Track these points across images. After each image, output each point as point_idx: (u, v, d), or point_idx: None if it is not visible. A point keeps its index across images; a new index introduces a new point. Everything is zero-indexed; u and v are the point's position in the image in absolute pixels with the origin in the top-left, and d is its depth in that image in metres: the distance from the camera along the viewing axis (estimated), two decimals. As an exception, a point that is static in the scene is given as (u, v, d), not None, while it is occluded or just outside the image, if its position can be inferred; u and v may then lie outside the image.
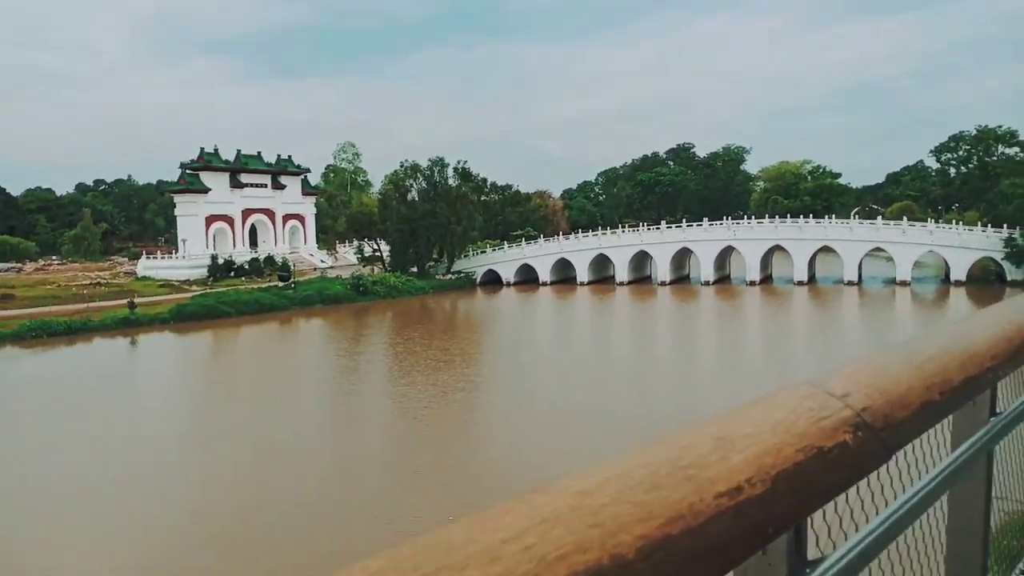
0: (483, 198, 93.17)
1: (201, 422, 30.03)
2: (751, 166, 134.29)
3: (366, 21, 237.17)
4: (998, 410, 2.08)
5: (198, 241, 80.00)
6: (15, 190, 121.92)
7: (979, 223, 73.31)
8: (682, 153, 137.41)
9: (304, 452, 24.59)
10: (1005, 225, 67.80)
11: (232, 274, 75.76)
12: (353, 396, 34.22)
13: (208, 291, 67.40)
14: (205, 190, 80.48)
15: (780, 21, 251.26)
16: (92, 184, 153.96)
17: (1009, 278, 65.90)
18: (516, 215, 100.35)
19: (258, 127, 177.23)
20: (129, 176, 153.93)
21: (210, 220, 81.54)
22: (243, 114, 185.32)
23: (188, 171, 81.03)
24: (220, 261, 75.77)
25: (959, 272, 68.31)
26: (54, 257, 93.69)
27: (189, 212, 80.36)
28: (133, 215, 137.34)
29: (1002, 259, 66.41)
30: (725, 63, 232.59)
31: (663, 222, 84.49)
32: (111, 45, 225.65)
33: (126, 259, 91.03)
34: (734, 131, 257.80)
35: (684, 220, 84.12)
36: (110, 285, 72.13)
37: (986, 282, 68.23)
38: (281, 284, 70.67)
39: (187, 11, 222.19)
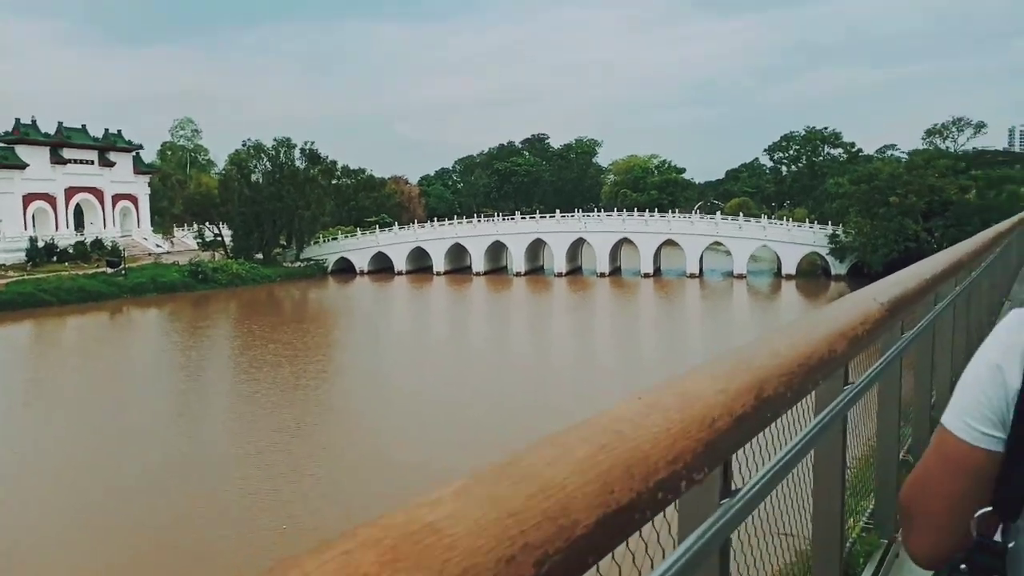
0: (335, 182, 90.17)
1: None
2: (603, 159, 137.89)
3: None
4: (732, 488, 1.58)
5: (15, 222, 72.48)
6: None
7: (807, 220, 78.46)
8: (537, 144, 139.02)
9: (112, 460, 22.42)
10: (830, 222, 72.83)
11: (55, 259, 69.30)
12: (182, 396, 31.79)
13: (26, 277, 61.30)
14: (22, 165, 72.96)
15: (630, 16, 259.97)
16: None
17: (834, 272, 70.83)
18: (370, 201, 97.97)
19: (89, 98, 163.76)
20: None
21: (28, 199, 74.10)
22: (72, 84, 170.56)
23: (1, 144, 73.22)
24: (40, 244, 69.09)
25: (789, 266, 72.78)
26: None
27: (4, 190, 72.50)
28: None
29: (827, 254, 71.27)
30: (578, 54, 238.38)
31: (517, 213, 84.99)
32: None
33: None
34: (587, 123, 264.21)
35: (538, 211, 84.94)
36: (-94, 270, 64.34)
37: (814, 276, 73.11)
38: (110, 271, 65.38)
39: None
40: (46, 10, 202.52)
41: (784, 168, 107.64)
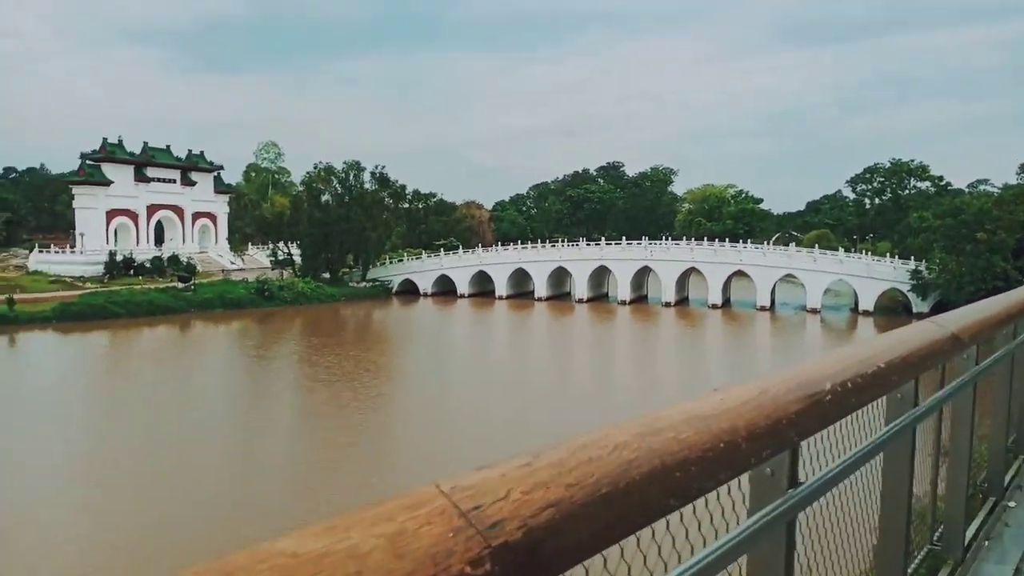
0: (406, 206, 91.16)
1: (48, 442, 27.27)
2: (678, 187, 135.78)
3: (302, 19, 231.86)
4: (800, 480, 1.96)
5: (98, 236, 75.80)
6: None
7: (888, 254, 74.67)
8: (612, 171, 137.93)
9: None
10: (912, 257, 69.00)
11: (132, 272, 71.89)
12: (223, 409, 31.86)
13: (99, 289, 63.62)
14: (106, 182, 76.38)
15: (708, 46, 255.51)
16: (2, 172, 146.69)
17: (915, 310, 66.88)
18: (440, 224, 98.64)
19: (183, 121, 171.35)
20: (42, 165, 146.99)
21: (111, 214, 77.45)
22: (168, 107, 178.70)
23: (89, 162, 76.82)
24: (118, 258, 71.81)
25: (867, 302, 69.15)
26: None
27: (88, 205, 76.11)
28: (44, 206, 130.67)
29: (908, 291, 67.43)
30: (654, 84, 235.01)
31: (582, 239, 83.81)
32: (33, 28, 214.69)
33: (28, 251, 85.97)
34: (663, 152, 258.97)
35: (603, 239, 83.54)
36: (-5, 279, 67.76)
37: (894, 313, 69.23)
38: (180, 286, 67.28)
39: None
40: (151, 39, 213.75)
41: (867, 201, 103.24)
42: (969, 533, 4.41)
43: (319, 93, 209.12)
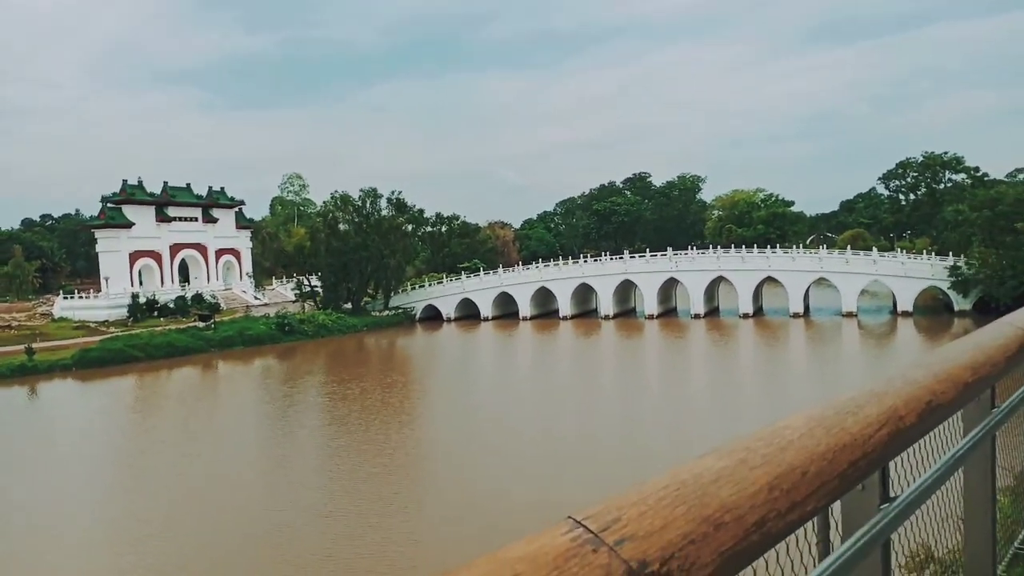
0: (429, 229, 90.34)
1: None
2: (707, 195, 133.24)
3: (330, 52, 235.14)
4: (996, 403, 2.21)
5: (122, 279, 76.12)
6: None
7: (926, 251, 71.64)
8: (638, 182, 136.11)
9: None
10: (951, 253, 65.97)
11: (156, 314, 71.91)
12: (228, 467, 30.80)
13: (120, 334, 63.55)
14: (128, 224, 76.75)
15: (738, 52, 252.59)
16: (39, 219, 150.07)
17: (957, 308, 63.97)
18: (463, 247, 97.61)
19: (214, 159, 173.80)
20: (77, 211, 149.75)
21: (135, 256, 77.75)
22: (201, 146, 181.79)
23: (109, 204, 77.32)
24: (141, 300, 71.90)
25: (905, 302, 66.25)
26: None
27: (111, 248, 76.51)
28: (80, 251, 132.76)
29: (948, 288, 64.43)
30: (683, 93, 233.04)
31: (604, 253, 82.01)
32: (70, 77, 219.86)
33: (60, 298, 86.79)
34: (691, 160, 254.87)
35: (630, 251, 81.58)
36: (21, 328, 68.28)
37: (935, 312, 66.29)
38: (201, 324, 66.98)
39: (147, 42, 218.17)
40: (184, 80, 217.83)
41: (902, 197, 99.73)
42: None
43: (348, 123, 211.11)
